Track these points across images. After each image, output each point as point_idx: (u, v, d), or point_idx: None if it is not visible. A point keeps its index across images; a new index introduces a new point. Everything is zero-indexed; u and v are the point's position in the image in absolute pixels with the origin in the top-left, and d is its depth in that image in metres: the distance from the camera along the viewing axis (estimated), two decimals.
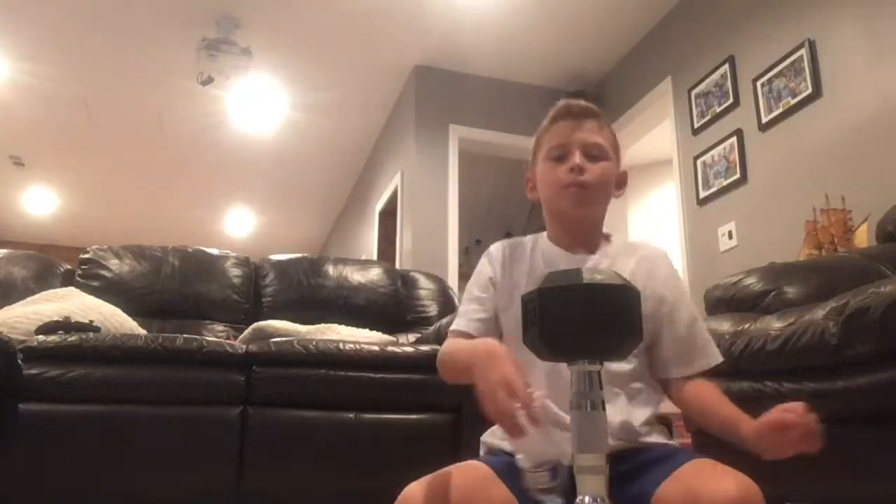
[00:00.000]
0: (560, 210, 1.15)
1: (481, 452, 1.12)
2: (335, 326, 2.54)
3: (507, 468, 0.99)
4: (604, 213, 1.17)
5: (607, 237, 1.19)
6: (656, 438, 1.03)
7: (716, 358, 1.11)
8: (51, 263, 2.80)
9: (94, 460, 1.89)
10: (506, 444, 1.05)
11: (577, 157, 1.10)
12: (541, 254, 1.16)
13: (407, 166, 5.01)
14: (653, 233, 5.24)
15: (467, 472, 0.98)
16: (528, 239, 1.21)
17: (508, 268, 1.16)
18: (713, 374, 1.18)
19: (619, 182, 1.17)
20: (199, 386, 2.01)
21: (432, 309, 3.06)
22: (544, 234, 1.21)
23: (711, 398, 1.04)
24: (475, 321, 1.13)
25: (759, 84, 3.44)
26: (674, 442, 1.06)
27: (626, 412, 1.03)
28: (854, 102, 2.92)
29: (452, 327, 1.15)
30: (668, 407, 1.12)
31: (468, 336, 1.12)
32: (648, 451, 0.99)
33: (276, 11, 4.34)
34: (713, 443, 1.17)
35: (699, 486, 0.83)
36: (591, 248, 1.15)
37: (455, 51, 4.76)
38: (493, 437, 1.11)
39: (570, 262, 1.12)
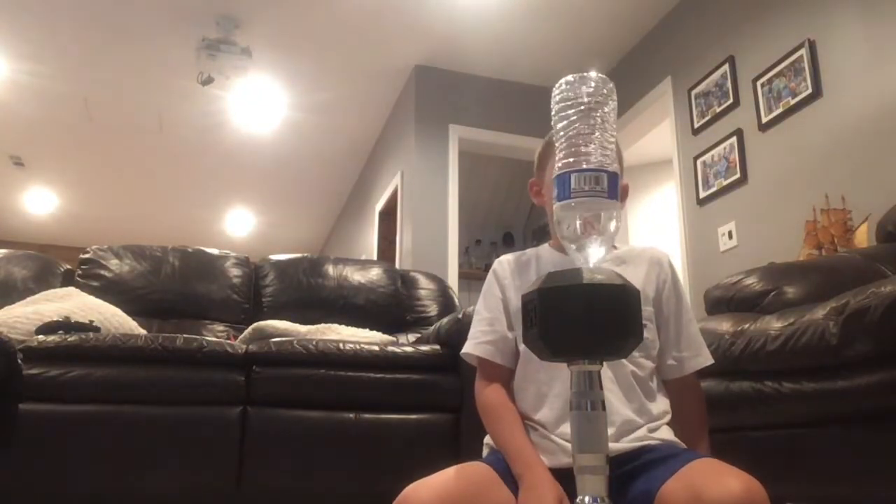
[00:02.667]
0: None
1: (484, 453, 1.12)
2: (335, 326, 2.54)
3: (509, 469, 0.99)
4: None
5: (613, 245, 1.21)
6: (664, 435, 1.04)
7: (706, 360, 1.16)
8: (51, 263, 2.80)
9: (94, 460, 1.89)
10: None
11: None
12: (548, 263, 1.16)
13: (407, 166, 5.00)
14: (653, 233, 5.23)
15: (469, 473, 0.98)
16: (531, 251, 1.22)
17: (518, 280, 1.16)
18: (714, 374, 1.19)
19: (622, 194, 1.20)
20: (199, 386, 2.01)
21: (432, 309, 3.06)
22: (545, 244, 1.23)
23: (688, 421, 1.12)
24: (483, 344, 1.13)
25: (759, 84, 3.44)
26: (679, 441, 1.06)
27: (640, 408, 1.05)
28: (854, 102, 2.92)
29: (464, 350, 1.16)
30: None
31: (485, 362, 1.12)
32: (653, 450, 0.99)
33: (276, 11, 4.34)
34: (716, 441, 1.17)
35: (703, 485, 0.84)
36: None
37: (455, 51, 4.75)
38: None
39: None
